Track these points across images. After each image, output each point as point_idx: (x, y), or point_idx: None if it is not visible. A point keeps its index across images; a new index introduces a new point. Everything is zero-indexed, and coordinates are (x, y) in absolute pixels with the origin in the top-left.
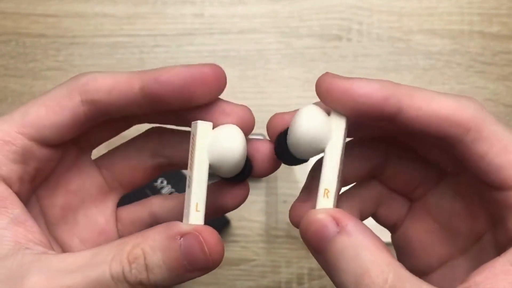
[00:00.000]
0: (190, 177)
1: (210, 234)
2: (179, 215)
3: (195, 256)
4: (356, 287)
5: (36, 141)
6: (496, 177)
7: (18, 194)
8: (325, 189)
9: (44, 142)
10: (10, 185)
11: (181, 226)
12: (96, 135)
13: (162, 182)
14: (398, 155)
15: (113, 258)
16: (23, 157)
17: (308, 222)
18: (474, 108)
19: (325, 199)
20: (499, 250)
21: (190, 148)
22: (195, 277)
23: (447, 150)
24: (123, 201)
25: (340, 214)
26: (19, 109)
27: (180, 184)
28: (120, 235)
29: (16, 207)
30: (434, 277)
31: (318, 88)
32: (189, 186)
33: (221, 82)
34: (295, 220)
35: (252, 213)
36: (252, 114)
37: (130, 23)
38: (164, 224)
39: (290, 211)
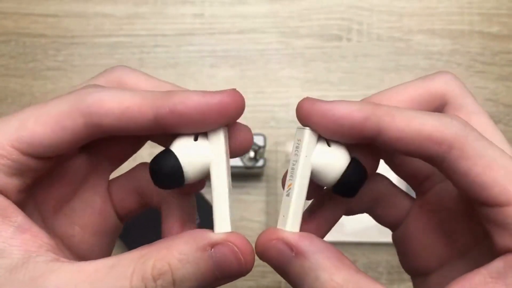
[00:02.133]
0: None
1: (244, 242)
2: (161, 196)
3: (229, 266)
4: None
5: (31, 156)
6: (480, 195)
7: (16, 203)
8: (288, 184)
9: (40, 157)
10: (8, 197)
11: (211, 236)
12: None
13: None
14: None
15: (134, 273)
16: (19, 171)
17: (264, 248)
18: (456, 126)
19: (282, 218)
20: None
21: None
22: (223, 284)
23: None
24: (133, 221)
25: (292, 237)
26: (14, 118)
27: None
28: (116, 211)
29: (18, 215)
30: (433, 279)
31: (298, 112)
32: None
33: (240, 110)
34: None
35: (252, 213)
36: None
37: (130, 23)
38: (190, 233)
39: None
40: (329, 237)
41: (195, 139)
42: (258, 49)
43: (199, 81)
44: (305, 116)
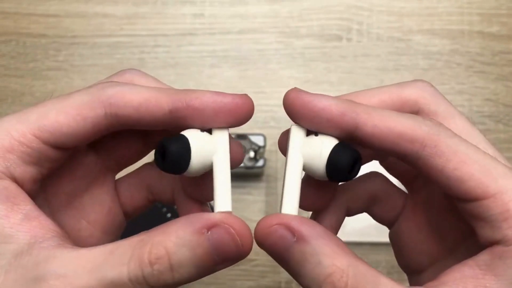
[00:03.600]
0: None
1: (240, 224)
2: (173, 190)
3: (227, 249)
4: None
5: (51, 145)
6: (458, 190)
7: (28, 192)
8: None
9: (59, 147)
10: (21, 185)
11: (207, 218)
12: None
13: None
14: None
15: (131, 258)
16: (37, 160)
17: (264, 234)
18: (428, 125)
19: (286, 205)
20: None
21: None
22: (222, 269)
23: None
24: (139, 219)
25: (294, 221)
26: (36, 109)
27: None
28: (122, 209)
29: (27, 204)
30: (425, 277)
31: (284, 101)
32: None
33: (249, 112)
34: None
35: (252, 213)
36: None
37: (131, 23)
38: (187, 217)
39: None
40: None
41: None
42: (258, 49)
43: (199, 81)
44: (288, 105)
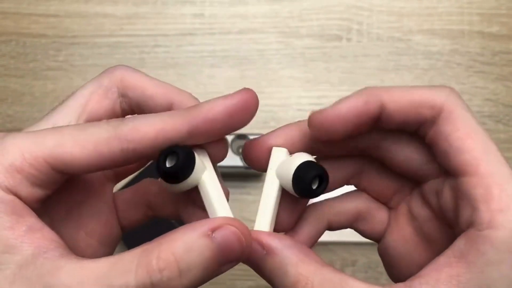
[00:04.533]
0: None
1: (242, 225)
2: (176, 205)
3: (232, 248)
4: None
5: (61, 172)
6: (454, 159)
7: (32, 209)
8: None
9: (69, 173)
10: (25, 203)
11: (211, 222)
12: None
13: None
14: (373, 168)
15: (138, 266)
16: (44, 183)
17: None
18: (447, 93)
19: (261, 221)
20: None
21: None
22: (225, 271)
23: (421, 146)
24: (150, 223)
25: (264, 236)
26: (53, 134)
27: None
28: (119, 222)
29: (31, 217)
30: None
31: (310, 126)
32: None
33: (257, 103)
34: None
35: (252, 213)
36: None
37: (130, 23)
38: (189, 224)
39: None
40: (329, 237)
41: None
42: (258, 49)
43: (199, 81)
44: (316, 127)
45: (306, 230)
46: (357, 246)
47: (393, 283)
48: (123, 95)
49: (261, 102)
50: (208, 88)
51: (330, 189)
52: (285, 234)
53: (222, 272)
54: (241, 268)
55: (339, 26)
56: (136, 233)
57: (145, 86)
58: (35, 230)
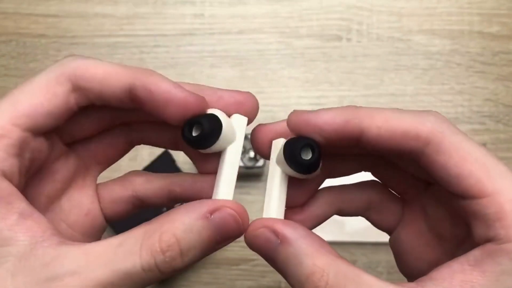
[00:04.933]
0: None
1: (238, 205)
2: (164, 196)
3: (230, 229)
4: None
5: (30, 131)
6: (458, 186)
7: (18, 188)
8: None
9: (39, 131)
10: (11, 180)
11: (210, 204)
12: (76, 127)
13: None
14: (389, 165)
15: (141, 248)
16: (20, 150)
17: (252, 237)
18: (433, 121)
19: (268, 209)
20: None
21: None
22: (220, 248)
23: (415, 164)
24: (142, 211)
25: (278, 224)
26: (6, 99)
27: None
28: (104, 213)
29: (21, 202)
30: None
31: (288, 125)
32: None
33: (200, 110)
34: None
35: (252, 213)
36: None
37: (130, 23)
38: (189, 205)
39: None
40: (329, 236)
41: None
42: (258, 49)
43: (199, 81)
44: (293, 127)
45: (313, 209)
46: (357, 246)
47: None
48: (77, 89)
49: (261, 102)
50: None
51: (345, 174)
52: (290, 209)
53: (219, 248)
54: (241, 268)
55: (339, 26)
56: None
57: (102, 75)
58: (26, 217)
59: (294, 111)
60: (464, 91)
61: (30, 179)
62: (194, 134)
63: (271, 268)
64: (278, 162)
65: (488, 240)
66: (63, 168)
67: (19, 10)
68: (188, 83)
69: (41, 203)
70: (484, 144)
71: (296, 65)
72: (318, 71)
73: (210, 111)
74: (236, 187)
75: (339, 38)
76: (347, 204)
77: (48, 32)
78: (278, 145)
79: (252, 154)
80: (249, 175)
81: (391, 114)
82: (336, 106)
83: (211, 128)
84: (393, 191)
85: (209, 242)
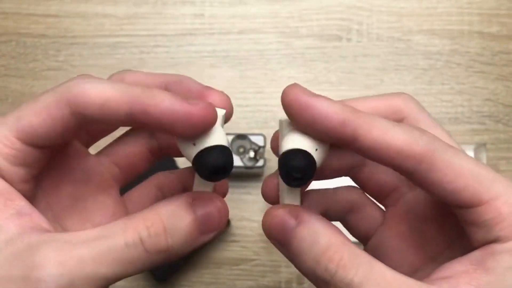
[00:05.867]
0: None
1: (220, 198)
2: (185, 189)
3: (211, 218)
4: (316, 266)
5: (31, 145)
6: (453, 199)
7: (26, 193)
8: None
9: (40, 147)
10: (12, 185)
11: (194, 194)
12: (95, 132)
13: None
14: (372, 169)
15: (127, 227)
16: (22, 160)
17: (270, 218)
18: (425, 141)
19: (290, 195)
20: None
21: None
22: (205, 241)
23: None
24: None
25: (296, 208)
26: (13, 113)
27: None
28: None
29: (21, 201)
30: None
31: (283, 98)
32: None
33: (208, 123)
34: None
35: (252, 213)
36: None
37: (130, 23)
38: (171, 197)
39: (263, 184)
40: None
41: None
42: (258, 49)
43: (199, 81)
44: (286, 105)
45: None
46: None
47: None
48: (76, 114)
49: (261, 102)
50: None
51: (328, 176)
52: None
53: (202, 242)
54: (241, 268)
55: (339, 26)
56: None
57: (100, 102)
58: (23, 214)
59: (294, 85)
60: (464, 91)
61: (49, 181)
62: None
63: (271, 268)
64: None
65: (488, 242)
66: (83, 170)
67: (19, 10)
68: (172, 75)
69: (64, 203)
70: (484, 144)
71: (296, 65)
72: (318, 71)
73: (218, 111)
74: (236, 187)
75: (339, 38)
76: (332, 206)
77: (48, 32)
78: (281, 125)
79: (252, 154)
80: (249, 175)
81: (388, 127)
82: None
83: (230, 165)
84: (373, 196)
85: (193, 228)
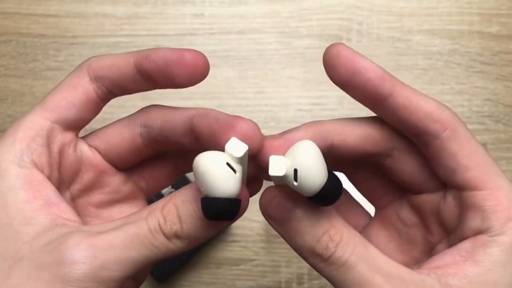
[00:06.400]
0: None
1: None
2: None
3: None
4: (315, 245)
5: (58, 123)
6: (462, 176)
7: (49, 178)
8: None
9: (66, 123)
10: (41, 170)
11: None
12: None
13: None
14: (368, 170)
15: (148, 214)
16: (48, 140)
17: (270, 197)
18: (450, 112)
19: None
20: None
21: None
22: (223, 227)
23: (420, 147)
24: None
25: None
26: (39, 102)
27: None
28: None
29: (50, 191)
30: None
31: (328, 53)
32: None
33: (199, 68)
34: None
35: (252, 213)
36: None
37: (130, 23)
38: (188, 185)
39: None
40: None
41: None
42: (258, 49)
43: None
44: (329, 58)
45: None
46: None
47: None
48: (94, 79)
49: (261, 102)
50: (208, 88)
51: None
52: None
53: (220, 229)
54: (241, 268)
55: (339, 26)
56: None
57: (111, 62)
58: (52, 204)
59: (337, 44)
60: (464, 91)
61: (79, 189)
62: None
63: (271, 268)
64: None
65: (480, 232)
66: (112, 183)
67: (19, 10)
68: (197, 108)
69: (89, 211)
70: (484, 144)
71: (296, 65)
72: (318, 71)
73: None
74: None
75: (339, 38)
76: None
77: (48, 32)
78: (278, 162)
79: None
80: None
81: (418, 93)
82: (336, 106)
83: (234, 214)
84: (365, 196)
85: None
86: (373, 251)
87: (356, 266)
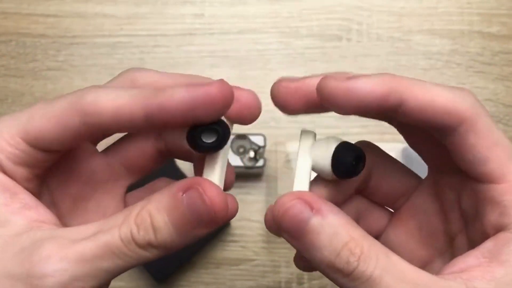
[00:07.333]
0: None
1: (209, 185)
2: None
3: (198, 209)
4: (335, 259)
5: (37, 148)
6: (482, 169)
7: (30, 191)
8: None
9: (45, 150)
10: (16, 182)
11: (184, 181)
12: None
13: None
14: (382, 167)
15: (122, 223)
16: (25, 161)
17: (283, 210)
18: (469, 101)
19: (300, 183)
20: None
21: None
22: (202, 234)
23: (437, 144)
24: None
25: (312, 197)
26: (25, 112)
27: None
28: None
29: (26, 195)
30: None
31: (321, 91)
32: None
33: (227, 99)
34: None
35: (252, 213)
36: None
37: (130, 23)
38: (167, 186)
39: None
40: None
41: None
42: (258, 49)
43: None
44: (327, 97)
45: None
46: None
47: None
48: (87, 124)
49: (261, 102)
50: None
51: (338, 204)
52: None
53: (199, 234)
54: (241, 268)
55: (339, 26)
56: None
57: (112, 110)
58: (29, 208)
59: (327, 77)
60: None
61: (55, 180)
62: (206, 140)
63: (271, 268)
64: (314, 159)
65: (501, 228)
66: (90, 171)
67: (19, 10)
68: (185, 75)
69: (67, 204)
70: None
71: (296, 65)
72: (318, 71)
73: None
74: (236, 187)
75: (339, 38)
76: None
77: (48, 32)
78: (309, 137)
79: (252, 154)
80: (249, 175)
81: (430, 87)
82: None
83: (225, 134)
84: (382, 204)
85: (183, 222)
86: (395, 260)
87: (382, 281)
